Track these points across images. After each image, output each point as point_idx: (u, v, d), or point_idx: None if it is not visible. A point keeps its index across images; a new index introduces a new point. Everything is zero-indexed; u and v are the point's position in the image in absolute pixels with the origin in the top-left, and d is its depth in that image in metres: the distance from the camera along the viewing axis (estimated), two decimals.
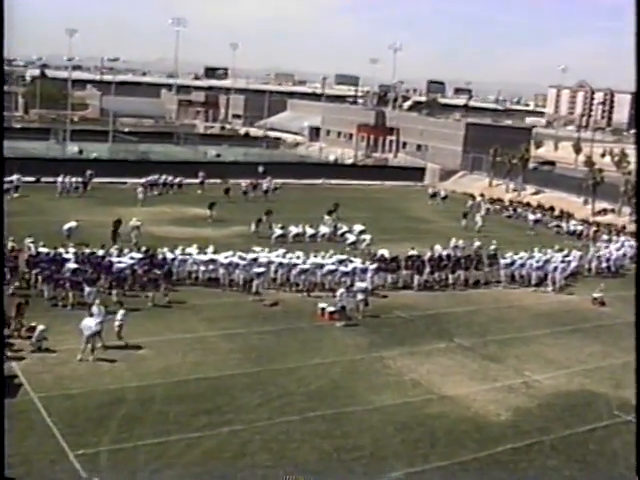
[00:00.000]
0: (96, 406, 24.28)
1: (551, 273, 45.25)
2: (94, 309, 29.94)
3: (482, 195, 78.64)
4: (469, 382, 29.43)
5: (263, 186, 71.61)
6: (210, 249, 41.24)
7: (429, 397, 27.59)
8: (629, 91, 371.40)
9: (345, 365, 30.09)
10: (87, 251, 38.79)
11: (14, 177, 58.35)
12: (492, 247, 48.65)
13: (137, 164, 76.64)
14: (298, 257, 41.61)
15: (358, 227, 53.68)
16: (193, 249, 41.10)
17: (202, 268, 39.82)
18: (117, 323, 29.91)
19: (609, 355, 34.24)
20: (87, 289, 33.91)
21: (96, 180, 66.97)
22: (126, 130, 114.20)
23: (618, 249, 53.68)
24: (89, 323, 28.41)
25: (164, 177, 69.60)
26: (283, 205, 62.52)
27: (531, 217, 67.79)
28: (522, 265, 45.48)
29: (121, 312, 30.29)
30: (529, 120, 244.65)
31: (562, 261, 46.48)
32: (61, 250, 38.28)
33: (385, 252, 44.44)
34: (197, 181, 71.12)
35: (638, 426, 11.59)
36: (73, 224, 45.76)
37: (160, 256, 39.50)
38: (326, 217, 55.72)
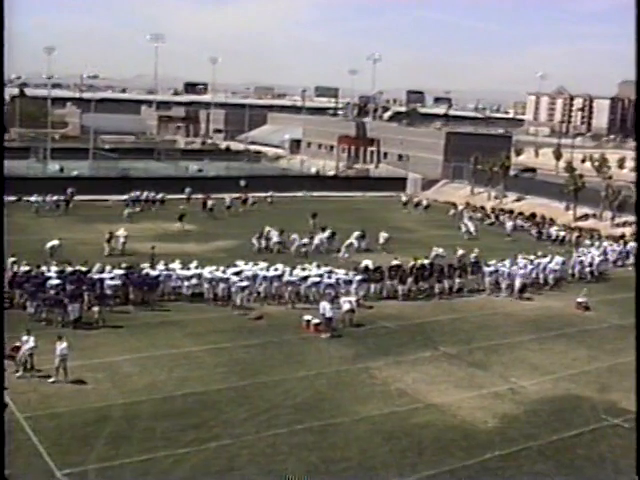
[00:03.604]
0: (82, 424, 24.16)
1: (512, 279, 45.31)
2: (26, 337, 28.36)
3: (467, 204, 78.88)
4: (455, 390, 29.44)
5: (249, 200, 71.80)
6: (194, 264, 41.19)
7: (416, 406, 27.58)
8: (607, 96, 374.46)
9: (331, 376, 30.07)
10: (70, 269, 38.70)
11: None
12: (473, 255, 48.75)
13: (118, 181, 76.63)
14: (276, 269, 41.54)
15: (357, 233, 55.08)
16: (176, 264, 41.04)
17: (186, 283, 39.73)
18: (58, 357, 27.63)
19: (594, 359, 34.33)
20: (70, 306, 33.83)
21: (78, 198, 66.83)
22: (107, 147, 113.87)
23: (600, 254, 53.84)
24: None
25: (146, 193, 69.52)
26: (268, 217, 62.50)
27: (509, 225, 67.93)
28: (509, 274, 45.47)
29: (63, 345, 27.79)
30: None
31: (520, 267, 46.35)
32: (44, 268, 38.17)
33: (369, 263, 44.50)
34: (183, 197, 71.06)
35: (638, 426, 11.64)
36: (56, 242, 45.64)
37: (144, 272, 39.49)
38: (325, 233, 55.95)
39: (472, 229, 64.18)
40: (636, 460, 11.15)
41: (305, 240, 52.73)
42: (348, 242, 52.71)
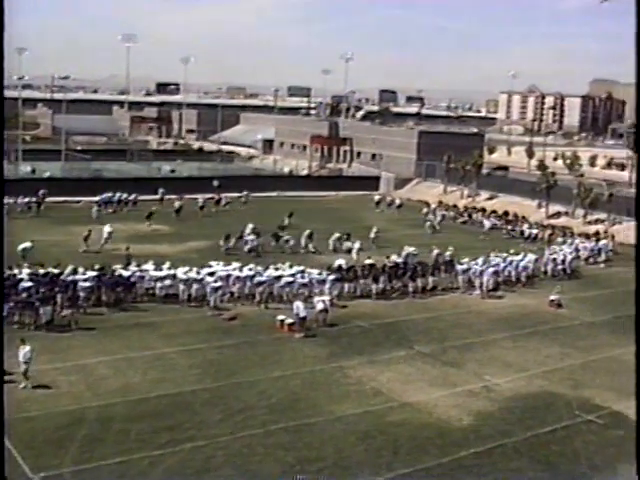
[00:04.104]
0: (56, 428, 24.04)
1: (478, 277, 45.56)
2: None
3: (440, 202, 79.12)
4: (430, 388, 29.53)
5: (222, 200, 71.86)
6: (166, 265, 41.06)
7: (390, 405, 27.64)
8: (579, 95, 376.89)
9: (305, 376, 30.07)
10: (42, 271, 38.48)
11: None
12: (448, 253, 48.89)
13: (91, 182, 76.35)
14: (250, 269, 41.48)
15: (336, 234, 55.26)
16: (149, 265, 40.90)
17: (159, 284, 39.59)
18: (22, 364, 26.94)
19: (567, 356, 34.52)
20: (41, 309, 33.62)
21: (50, 199, 66.46)
22: (79, 148, 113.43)
23: (572, 251, 54.15)
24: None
25: (118, 194, 69.23)
26: (241, 218, 62.44)
27: (487, 223, 68.24)
28: (483, 271, 45.60)
29: (26, 349, 27.13)
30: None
31: (489, 265, 46.51)
32: (16, 271, 37.87)
33: (342, 262, 44.55)
34: (156, 197, 70.82)
35: (638, 426, 11.64)
36: (28, 244, 45.31)
37: (116, 273, 39.34)
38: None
39: (436, 223, 65.20)
40: (636, 460, 11.17)
41: (289, 238, 53.51)
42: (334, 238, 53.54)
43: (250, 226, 54.69)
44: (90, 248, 49.93)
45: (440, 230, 63.67)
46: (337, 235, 54.86)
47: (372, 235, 56.82)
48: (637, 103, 11.38)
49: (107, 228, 52.91)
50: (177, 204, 67.08)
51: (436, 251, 50.10)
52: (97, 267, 39.86)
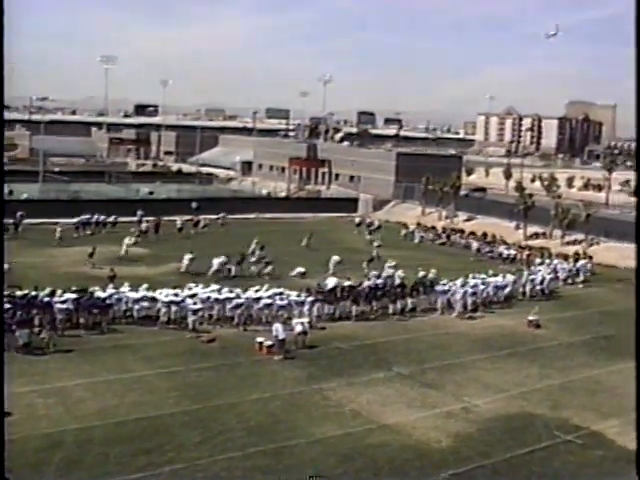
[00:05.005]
0: (34, 451, 23.80)
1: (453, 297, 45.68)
2: None
3: (418, 224, 79.31)
4: (409, 410, 29.48)
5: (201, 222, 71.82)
6: (144, 286, 40.91)
7: (370, 427, 27.56)
8: (556, 116, 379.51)
9: (285, 398, 29.96)
10: (19, 293, 38.21)
11: None
12: (431, 275, 48.99)
13: (69, 204, 76.02)
14: (231, 291, 41.41)
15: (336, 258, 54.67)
16: (125, 287, 40.68)
17: (136, 306, 39.42)
18: None
19: (546, 377, 34.57)
20: (18, 332, 33.35)
21: (27, 221, 66.14)
22: (57, 170, 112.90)
23: (550, 272, 54.36)
24: None
25: (96, 216, 69.01)
26: (220, 240, 62.41)
27: (474, 245, 68.43)
28: (461, 292, 45.66)
29: None
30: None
31: (467, 286, 46.67)
32: None
33: (334, 281, 44.90)
34: (135, 219, 70.58)
35: (638, 426, 11.71)
36: (5, 266, 44.88)
37: (95, 295, 39.13)
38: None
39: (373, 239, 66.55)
40: (636, 460, 11.24)
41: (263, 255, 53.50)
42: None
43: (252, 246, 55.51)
44: (96, 265, 51.24)
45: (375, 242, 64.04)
46: (337, 259, 54.60)
47: (332, 265, 54.13)
48: (637, 109, 11.32)
49: (127, 240, 57.07)
50: (144, 226, 67.70)
51: (422, 273, 50.02)
52: (75, 289, 39.67)
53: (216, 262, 51.21)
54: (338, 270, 51.28)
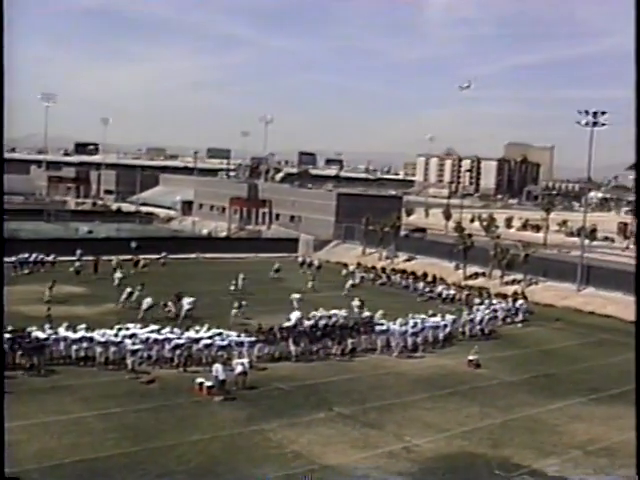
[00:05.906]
0: None
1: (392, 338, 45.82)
2: None
3: (359, 264, 79.46)
4: (350, 450, 29.35)
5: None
6: (82, 326, 40.37)
7: (311, 467, 27.34)
8: (495, 158, 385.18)
9: (225, 440, 29.67)
10: None
11: None
12: (378, 315, 49.09)
13: (6, 242, 74.84)
14: (171, 331, 41.05)
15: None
16: (62, 328, 40.06)
17: (75, 347, 38.86)
18: None
19: (487, 416, 34.69)
20: None
21: None
22: None
23: (490, 312, 54.75)
24: None
25: (35, 255, 68.16)
26: (160, 279, 61.93)
27: (420, 285, 68.71)
28: (401, 332, 45.81)
29: None
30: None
31: (407, 326, 46.79)
32: None
33: (297, 315, 45.20)
34: (74, 258, 69.74)
35: (638, 427, 11.72)
36: None
37: (33, 335, 38.48)
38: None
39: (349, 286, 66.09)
40: (636, 460, 11.27)
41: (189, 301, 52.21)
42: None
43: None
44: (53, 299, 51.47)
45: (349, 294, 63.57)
46: (298, 296, 55.31)
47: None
48: (637, 116, 11.34)
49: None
50: (77, 264, 67.34)
51: (367, 313, 50.08)
52: (11, 329, 38.98)
53: (146, 302, 50.76)
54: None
